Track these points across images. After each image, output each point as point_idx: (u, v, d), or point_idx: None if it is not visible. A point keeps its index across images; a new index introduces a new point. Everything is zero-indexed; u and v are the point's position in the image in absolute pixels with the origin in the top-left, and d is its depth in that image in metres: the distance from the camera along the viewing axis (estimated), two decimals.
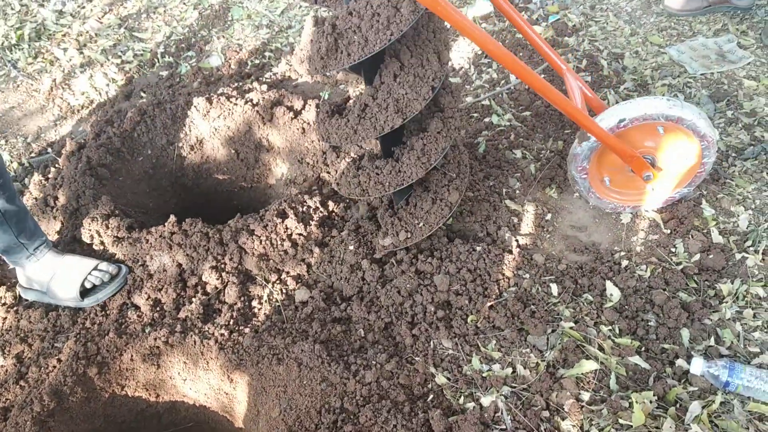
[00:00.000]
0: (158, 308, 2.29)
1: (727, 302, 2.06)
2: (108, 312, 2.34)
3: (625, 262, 2.22)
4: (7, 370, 2.24)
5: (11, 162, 3.08)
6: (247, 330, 2.13)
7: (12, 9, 3.98)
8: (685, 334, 1.98)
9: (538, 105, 2.82)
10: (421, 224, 2.22)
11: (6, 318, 2.43)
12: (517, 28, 2.30)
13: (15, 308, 2.45)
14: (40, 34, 3.81)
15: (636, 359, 1.92)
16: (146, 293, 2.31)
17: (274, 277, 2.29)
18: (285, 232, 2.37)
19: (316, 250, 2.35)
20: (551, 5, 3.37)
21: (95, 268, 2.39)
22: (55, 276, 2.38)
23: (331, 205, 2.49)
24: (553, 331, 2.03)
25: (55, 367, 2.16)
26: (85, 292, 2.36)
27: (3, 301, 2.47)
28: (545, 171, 2.56)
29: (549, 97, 2.03)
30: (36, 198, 2.78)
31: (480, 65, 3.13)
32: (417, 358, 2.04)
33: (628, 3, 3.37)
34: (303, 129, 2.81)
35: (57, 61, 3.62)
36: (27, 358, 2.27)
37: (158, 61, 3.51)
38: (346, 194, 2.14)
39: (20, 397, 2.11)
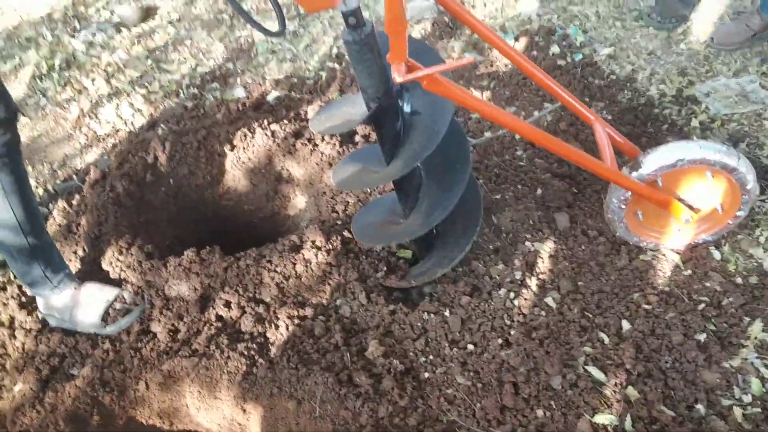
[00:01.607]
0: (175, 336, 2.31)
1: (747, 345, 2.04)
2: (125, 339, 2.36)
3: (642, 301, 2.21)
4: (24, 395, 2.25)
5: (37, 188, 3.14)
6: (261, 361, 2.14)
7: (44, 39, 4.09)
8: (704, 376, 1.96)
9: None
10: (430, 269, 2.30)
11: (25, 342, 2.46)
12: (537, 81, 2.30)
13: (34, 333, 2.48)
14: (70, 64, 3.91)
15: (654, 405, 1.90)
16: (163, 321, 2.32)
17: (290, 309, 2.30)
18: (302, 263, 2.38)
19: (333, 281, 2.36)
20: (578, 45, 3.39)
21: (117, 299, 2.41)
22: (77, 305, 2.40)
23: (348, 236, 2.51)
24: (569, 372, 2.01)
25: (71, 392, 2.17)
26: (106, 319, 2.39)
27: (24, 326, 2.50)
28: (559, 201, 2.56)
29: (582, 164, 2.05)
30: (59, 224, 2.83)
31: (492, 99, 3.15)
32: (431, 395, 2.03)
33: (649, 42, 3.38)
34: (321, 161, 2.84)
35: (85, 91, 3.70)
36: (44, 383, 2.29)
37: (183, 92, 3.58)
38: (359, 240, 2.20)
39: (36, 421, 2.13)
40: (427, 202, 2.18)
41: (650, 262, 2.36)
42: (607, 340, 2.10)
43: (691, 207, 2.24)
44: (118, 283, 2.53)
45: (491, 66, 3.37)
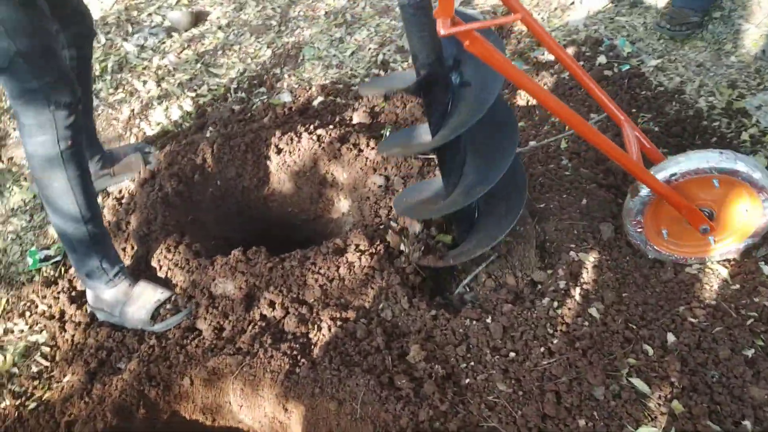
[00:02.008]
0: (220, 334, 2.35)
1: None
2: (170, 336, 2.41)
3: (688, 314, 2.18)
4: (72, 386, 2.32)
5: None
6: (304, 360, 2.16)
7: (98, 42, 4.19)
8: (752, 392, 1.93)
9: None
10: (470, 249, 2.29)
11: (74, 335, 2.53)
12: (577, 78, 2.30)
13: (83, 326, 2.54)
14: (122, 67, 4.01)
15: (699, 419, 1.88)
16: (209, 319, 2.37)
17: (333, 311, 2.32)
18: (345, 266, 2.41)
19: (375, 285, 2.38)
20: (625, 55, 3.37)
21: (169, 300, 2.48)
22: (129, 300, 2.47)
23: (391, 241, 2.53)
24: (612, 383, 2.00)
25: (118, 385, 2.22)
26: (155, 318, 2.45)
27: (73, 319, 2.57)
28: (604, 211, 2.55)
29: (606, 150, 2.04)
30: (109, 222, 2.90)
31: (537, 107, 3.15)
32: (472, 401, 2.03)
33: (698, 54, 3.34)
34: (366, 166, 2.86)
35: (136, 93, 3.79)
36: (92, 376, 2.35)
37: (231, 96, 3.64)
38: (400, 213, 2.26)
39: (84, 412, 2.18)
40: (470, 179, 2.16)
41: (696, 275, 2.33)
42: (651, 352, 2.08)
43: (709, 216, 2.25)
44: (166, 281, 2.58)
45: (536, 75, 3.37)
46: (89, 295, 2.55)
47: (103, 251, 2.44)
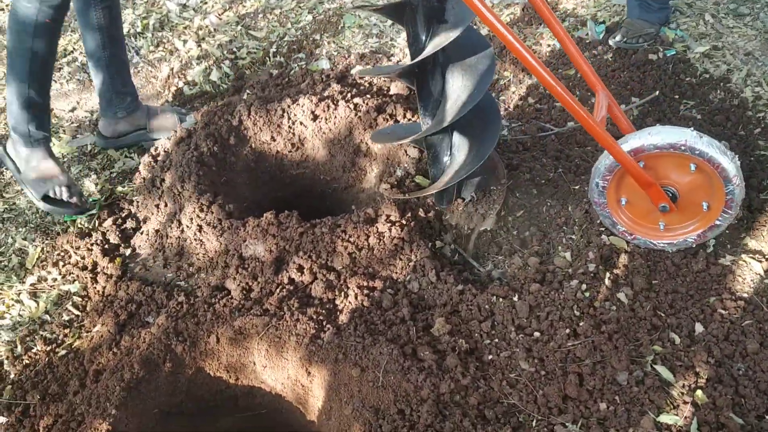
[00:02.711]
0: (248, 295, 2.38)
1: None
2: (199, 294, 2.44)
3: (718, 306, 2.16)
4: (102, 336, 2.37)
5: None
6: (329, 326, 2.18)
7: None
8: None
9: None
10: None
11: (105, 287, 2.58)
12: (558, 39, 2.28)
13: (114, 279, 2.59)
14: (164, 25, 4.02)
15: (722, 411, 1.86)
16: (238, 279, 2.40)
17: (360, 279, 2.33)
18: (375, 235, 2.41)
19: (404, 256, 2.38)
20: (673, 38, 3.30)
21: (67, 186, 2.83)
22: (36, 168, 2.85)
23: (420, 212, 2.53)
24: (637, 369, 1.99)
25: (146, 338, 2.27)
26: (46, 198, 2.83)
27: (105, 272, 2.62)
28: None
29: (567, 107, 2.05)
30: (144, 178, 2.93)
31: (577, 87, 3.10)
32: (493, 377, 2.04)
33: (747, 42, 3.26)
34: None
35: (176, 52, 3.81)
36: (121, 327, 2.39)
37: (269, 60, 3.65)
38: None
39: (112, 362, 2.23)
40: (443, 114, 2.25)
41: (729, 267, 2.30)
42: (678, 341, 2.07)
43: (672, 196, 2.23)
44: (197, 240, 2.61)
45: None
46: (8, 143, 2.90)
47: (36, 117, 2.78)
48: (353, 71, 3.30)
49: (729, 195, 2.14)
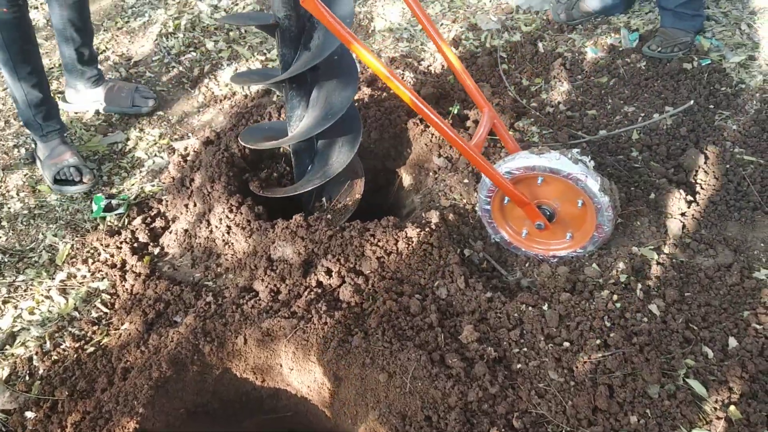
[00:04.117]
0: (276, 297, 2.38)
1: None
2: (227, 294, 2.45)
3: (752, 320, 2.12)
4: (130, 334, 2.38)
5: (156, 142, 3.28)
6: (357, 330, 2.17)
7: (173, 0, 4.25)
8: None
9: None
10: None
11: (134, 285, 2.59)
12: (442, 55, 2.39)
13: (143, 278, 2.61)
14: (195, 26, 4.05)
15: (757, 428, 1.83)
16: (266, 281, 2.40)
17: (388, 283, 2.32)
18: (404, 240, 2.40)
19: (432, 262, 2.37)
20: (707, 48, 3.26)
21: (77, 168, 3.01)
22: (50, 155, 3.05)
23: (451, 218, 2.51)
24: (668, 382, 1.96)
25: (174, 338, 2.27)
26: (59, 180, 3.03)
27: (134, 270, 2.63)
28: (672, 208, 2.48)
29: (438, 129, 2.17)
30: (173, 177, 2.95)
31: (609, 95, 3.07)
32: (522, 386, 2.02)
33: None
34: (431, 142, 2.85)
35: (207, 53, 3.83)
36: (149, 326, 2.41)
37: None
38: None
39: (140, 360, 2.24)
40: (308, 122, 2.48)
41: (764, 281, 2.26)
42: (711, 354, 2.03)
43: (550, 218, 2.36)
44: (225, 241, 2.61)
45: (612, 63, 3.28)
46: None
47: (38, 109, 2.97)
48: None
49: (597, 205, 2.24)
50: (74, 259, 2.75)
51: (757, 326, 2.10)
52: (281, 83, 2.51)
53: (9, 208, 2.99)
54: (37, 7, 4.42)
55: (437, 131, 2.25)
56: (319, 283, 2.38)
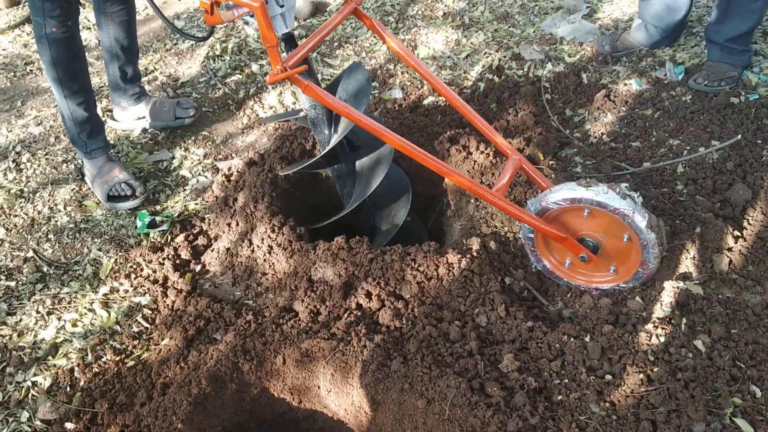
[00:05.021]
0: (315, 318, 2.38)
1: None
2: (267, 314, 2.46)
3: None
4: (170, 350, 2.40)
5: (200, 162, 3.33)
6: (396, 354, 2.17)
7: (221, 24, 4.33)
8: None
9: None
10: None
11: (175, 302, 2.62)
12: (459, 111, 2.43)
13: (184, 294, 2.63)
14: (242, 49, 4.13)
15: None
16: (306, 301, 2.41)
17: (428, 309, 2.32)
18: (445, 266, 2.40)
19: (473, 289, 2.36)
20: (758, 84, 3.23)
21: (128, 183, 3.08)
22: (99, 173, 3.13)
23: (492, 245, 2.50)
24: (715, 421, 1.91)
25: (214, 355, 2.29)
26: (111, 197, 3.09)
27: (176, 286, 2.66)
28: (719, 242, 2.44)
29: (460, 183, 2.27)
30: (217, 196, 2.99)
31: (654, 128, 3.05)
32: (563, 418, 1.99)
33: None
34: (473, 169, 2.85)
35: (253, 75, 3.90)
36: (189, 342, 2.43)
37: None
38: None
39: (180, 376, 2.26)
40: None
41: None
42: (759, 394, 1.98)
43: (594, 250, 2.35)
44: (266, 261, 2.63)
45: (657, 96, 3.26)
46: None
47: (83, 127, 3.05)
48: (375, 113, 3.41)
49: (643, 242, 2.23)
50: (117, 274, 2.79)
51: None
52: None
53: (56, 221, 3.05)
54: (89, 28, 4.55)
55: (459, 185, 2.31)
56: (359, 306, 2.39)
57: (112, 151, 3.27)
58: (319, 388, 2.26)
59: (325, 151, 2.48)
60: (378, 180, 2.56)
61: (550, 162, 2.90)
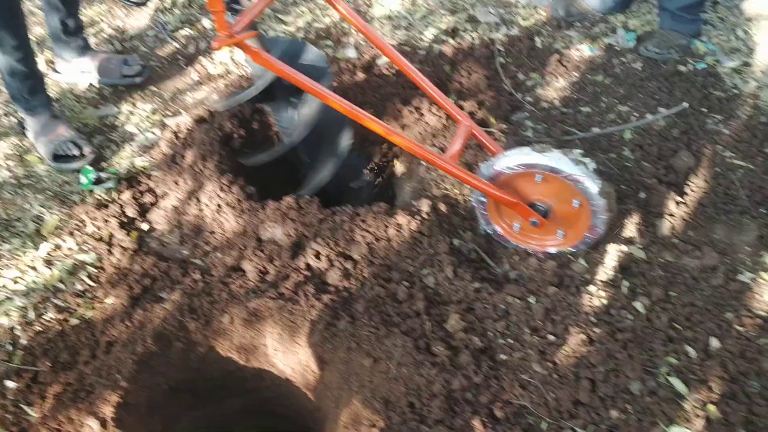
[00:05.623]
0: (264, 277, 2.37)
1: None
2: (215, 273, 2.44)
3: (735, 322, 2.15)
4: (115, 308, 2.37)
5: (149, 117, 3.26)
6: (344, 314, 2.18)
7: None
8: None
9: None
10: None
11: (121, 260, 2.58)
12: (410, 77, 2.43)
13: (130, 252, 2.59)
14: (192, 2, 4.01)
15: (735, 428, 1.86)
16: (255, 261, 2.39)
17: (376, 269, 2.33)
18: (394, 227, 2.40)
19: (422, 250, 2.37)
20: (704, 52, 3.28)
21: (74, 142, 2.97)
22: (43, 131, 3.01)
23: (442, 207, 2.52)
24: (650, 379, 1.98)
25: (160, 313, 2.27)
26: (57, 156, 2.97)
27: (121, 244, 2.62)
28: (662, 207, 2.50)
29: (411, 150, 2.23)
30: (165, 153, 2.93)
31: (604, 93, 3.09)
32: (505, 377, 2.03)
33: None
34: (425, 131, 2.85)
35: (203, 30, 3.80)
36: (135, 301, 2.40)
37: None
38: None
39: (125, 335, 2.23)
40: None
41: (748, 284, 2.28)
42: (693, 354, 2.06)
43: (545, 214, 2.37)
44: (215, 219, 2.61)
45: (608, 62, 3.29)
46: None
47: (23, 83, 2.91)
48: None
49: (593, 208, 2.27)
50: (61, 231, 2.73)
51: (740, 328, 2.13)
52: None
53: None
54: None
55: (409, 151, 2.27)
56: (308, 266, 2.38)
57: (55, 105, 3.16)
58: (266, 347, 2.26)
59: (259, 84, 2.48)
60: (315, 110, 2.54)
61: (502, 126, 2.91)
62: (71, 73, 3.42)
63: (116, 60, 3.41)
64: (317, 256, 2.39)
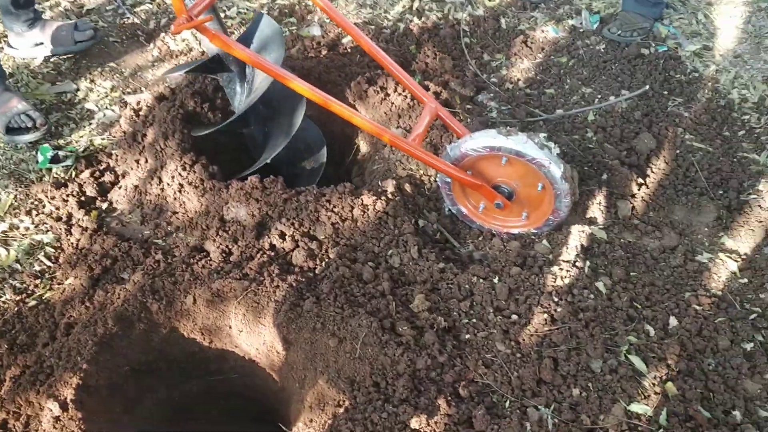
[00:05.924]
0: (227, 258, 2.35)
1: None
2: (177, 253, 2.41)
3: (693, 301, 2.19)
4: (74, 289, 2.32)
5: (107, 95, 3.18)
6: (308, 294, 2.17)
7: None
8: (746, 385, 1.95)
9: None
10: None
11: (80, 240, 2.53)
12: (377, 60, 2.40)
13: (90, 232, 2.54)
14: None
15: (692, 403, 1.90)
16: (218, 241, 2.37)
17: (342, 250, 2.32)
18: (360, 207, 2.40)
19: (387, 231, 2.37)
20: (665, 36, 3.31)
21: (27, 114, 2.89)
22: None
23: (407, 188, 2.52)
24: (611, 358, 2.01)
25: (121, 294, 2.23)
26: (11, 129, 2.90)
27: (80, 224, 2.56)
28: (623, 189, 2.54)
29: (376, 134, 2.23)
30: (125, 131, 2.87)
31: (568, 75, 3.11)
32: (469, 356, 2.05)
33: (738, 45, 3.29)
34: (391, 111, 2.83)
35: (164, 5, 3.72)
36: (95, 282, 2.35)
37: None
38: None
39: (85, 316, 2.19)
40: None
41: (706, 264, 2.34)
42: (652, 333, 2.10)
43: (509, 197, 2.39)
44: (177, 199, 2.57)
45: (572, 43, 3.31)
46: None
47: None
48: (293, 50, 3.33)
49: (557, 191, 2.28)
50: (17, 210, 2.66)
51: (697, 307, 2.17)
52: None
53: None
54: None
55: (372, 134, 2.27)
56: (272, 246, 2.37)
57: (10, 80, 3.07)
58: (230, 328, 2.24)
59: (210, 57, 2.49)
60: (266, 84, 2.49)
61: (467, 107, 2.91)
62: (25, 46, 3.31)
63: (66, 27, 3.31)
64: (282, 236, 2.37)
